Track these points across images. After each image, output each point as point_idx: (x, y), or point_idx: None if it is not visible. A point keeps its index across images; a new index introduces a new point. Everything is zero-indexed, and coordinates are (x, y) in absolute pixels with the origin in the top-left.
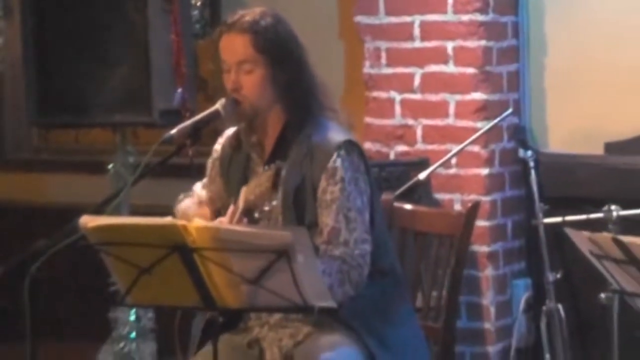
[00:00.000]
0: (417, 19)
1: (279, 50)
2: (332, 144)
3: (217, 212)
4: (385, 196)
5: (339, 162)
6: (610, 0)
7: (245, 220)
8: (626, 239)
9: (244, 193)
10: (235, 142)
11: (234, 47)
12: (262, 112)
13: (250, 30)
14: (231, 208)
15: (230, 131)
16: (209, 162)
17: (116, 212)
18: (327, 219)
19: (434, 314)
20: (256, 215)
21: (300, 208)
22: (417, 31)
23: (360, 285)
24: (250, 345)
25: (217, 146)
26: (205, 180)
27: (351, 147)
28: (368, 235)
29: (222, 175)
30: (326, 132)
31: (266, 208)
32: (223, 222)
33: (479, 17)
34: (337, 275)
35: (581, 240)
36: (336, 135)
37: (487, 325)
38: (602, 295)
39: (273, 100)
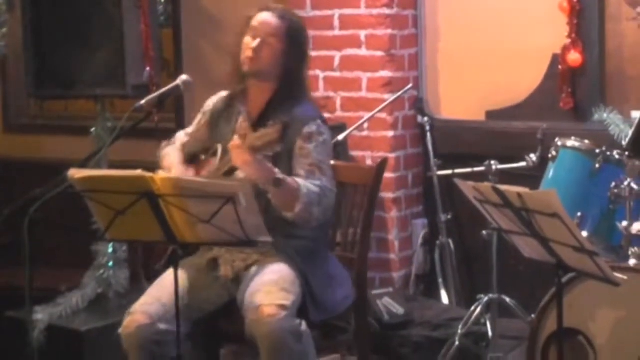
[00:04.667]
0: (337, 13)
1: (298, 39)
2: (309, 117)
3: (194, 156)
4: None
5: (314, 128)
6: None
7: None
8: (503, 187)
9: (249, 139)
10: (228, 102)
11: (271, 24)
12: (262, 76)
13: (286, 18)
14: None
15: (223, 93)
16: (199, 114)
17: (97, 166)
18: (305, 165)
19: (351, 247)
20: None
21: (274, 161)
22: (336, 22)
23: (327, 215)
24: (209, 264)
25: (210, 102)
26: (189, 129)
27: (322, 121)
28: (333, 187)
29: (210, 124)
30: (305, 108)
31: (269, 154)
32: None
33: (386, 11)
34: (315, 197)
35: (467, 188)
36: (312, 111)
37: (393, 256)
38: (484, 232)
39: (276, 72)
